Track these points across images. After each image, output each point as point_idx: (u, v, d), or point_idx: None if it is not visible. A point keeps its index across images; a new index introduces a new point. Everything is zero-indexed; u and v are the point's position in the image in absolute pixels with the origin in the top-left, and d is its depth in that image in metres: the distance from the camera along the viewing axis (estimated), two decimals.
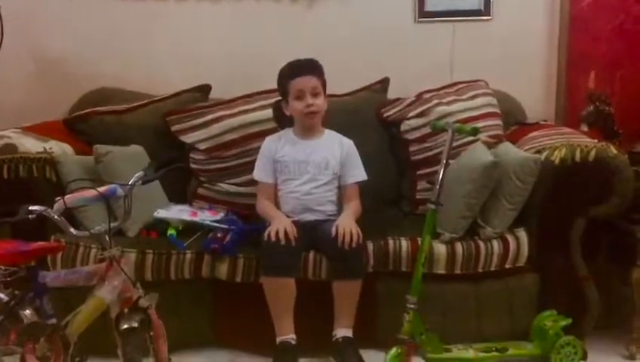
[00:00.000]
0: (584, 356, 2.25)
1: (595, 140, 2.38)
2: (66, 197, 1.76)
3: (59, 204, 1.75)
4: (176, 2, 3.05)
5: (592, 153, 2.27)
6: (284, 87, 2.47)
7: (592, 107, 2.79)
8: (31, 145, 2.41)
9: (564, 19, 3.03)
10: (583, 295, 2.36)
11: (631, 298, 2.36)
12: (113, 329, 1.78)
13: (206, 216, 2.50)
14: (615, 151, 2.28)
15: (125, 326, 1.75)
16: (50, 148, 2.42)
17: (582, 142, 2.34)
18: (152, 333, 1.83)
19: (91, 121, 2.70)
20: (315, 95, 2.42)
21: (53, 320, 1.79)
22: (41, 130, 2.57)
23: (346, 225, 2.26)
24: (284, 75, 2.47)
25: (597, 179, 2.28)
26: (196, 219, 2.46)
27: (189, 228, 2.45)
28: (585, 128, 2.75)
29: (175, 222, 2.45)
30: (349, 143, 2.53)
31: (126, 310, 1.78)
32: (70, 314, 1.80)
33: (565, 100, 3.07)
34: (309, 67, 2.44)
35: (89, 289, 1.82)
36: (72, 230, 1.77)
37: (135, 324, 1.75)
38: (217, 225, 2.41)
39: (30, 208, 1.69)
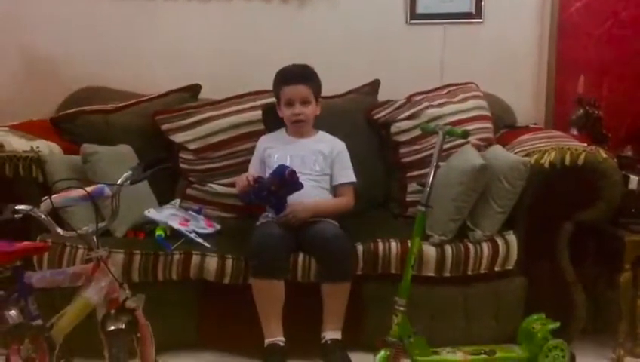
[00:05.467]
0: (572, 359, 2.26)
1: (585, 144, 2.39)
2: (53, 196, 1.74)
3: (45, 204, 1.73)
4: (166, 1, 3.03)
5: (582, 157, 2.28)
6: (277, 92, 2.53)
7: (581, 111, 2.80)
8: (18, 143, 2.38)
9: (553, 23, 3.05)
10: (571, 298, 2.36)
11: (618, 302, 2.38)
12: (99, 330, 1.76)
13: (198, 226, 2.45)
14: (604, 156, 2.29)
15: (112, 327, 1.73)
16: (37, 147, 2.40)
17: (571, 146, 2.35)
18: (138, 335, 1.82)
19: (79, 121, 2.67)
20: (304, 104, 2.47)
21: (39, 321, 1.77)
22: (28, 129, 2.55)
23: (296, 209, 2.32)
24: (276, 81, 2.53)
25: (586, 183, 2.29)
26: (183, 228, 2.40)
27: (177, 232, 2.42)
28: (574, 132, 2.76)
29: (163, 224, 2.42)
30: (341, 145, 2.56)
31: (112, 311, 1.76)
32: (56, 315, 1.78)
33: (555, 104, 3.08)
34: (299, 76, 2.49)
35: (75, 290, 1.81)
36: (58, 230, 1.75)
37: (122, 326, 1.74)
38: (200, 241, 2.35)
39: (16, 208, 1.67)
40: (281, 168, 2.26)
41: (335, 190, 2.51)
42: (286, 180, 2.23)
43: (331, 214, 2.43)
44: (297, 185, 2.26)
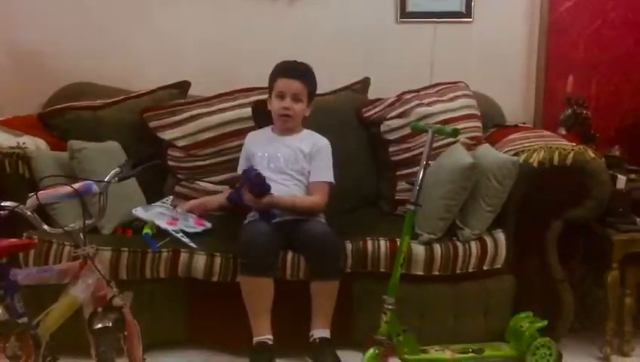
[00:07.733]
0: (559, 358, 2.27)
1: (573, 144, 2.40)
2: (40, 193, 1.72)
3: (32, 200, 1.70)
4: None
5: (570, 156, 2.29)
6: (272, 83, 2.50)
7: (569, 110, 2.82)
8: (4, 139, 2.36)
9: (543, 23, 3.06)
10: (559, 297, 2.37)
11: (605, 300, 2.39)
12: (86, 328, 1.74)
13: (187, 226, 2.43)
14: (592, 155, 2.31)
15: (99, 325, 1.72)
16: (24, 143, 2.37)
17: (560, 146, 2.36)
18: (126, 333, 1.80)
19: (66, 116, 2.65)
20: (295, 100, 2.44)
21: (25, 319, 1.74)
22: (15, 125, 2.52)
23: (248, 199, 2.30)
24: (274, 71, 2.50)
25: (574, 182, 2.30)
26: (170, 228, 2.37)
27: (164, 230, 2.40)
28: (563, 131, 2.78)
29: (150, 223, 2.40)
30: (323, 142, 2.52)
31: (100, 309, 1.75)
32: (42, 313, 1.76)
33: (543, 103, 3.09)
34: (298, 71, 2.46)
35: (62, 288, 1.79)
36: (45, 227, 1.73)
37: (109, 324, 1.72)
38: (186, 241, 2.33)
39: (2, 204, 1.64)
40: (249, 171, 2.30)
41: (309, 187, 2.47)
42: (252, 183, 2.24)
43: (297, 210, 2.39)
44: (264, 187, 2.28)
